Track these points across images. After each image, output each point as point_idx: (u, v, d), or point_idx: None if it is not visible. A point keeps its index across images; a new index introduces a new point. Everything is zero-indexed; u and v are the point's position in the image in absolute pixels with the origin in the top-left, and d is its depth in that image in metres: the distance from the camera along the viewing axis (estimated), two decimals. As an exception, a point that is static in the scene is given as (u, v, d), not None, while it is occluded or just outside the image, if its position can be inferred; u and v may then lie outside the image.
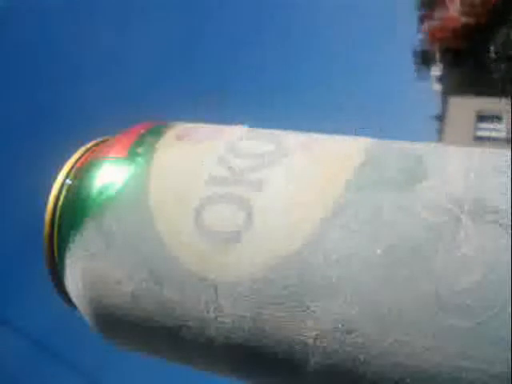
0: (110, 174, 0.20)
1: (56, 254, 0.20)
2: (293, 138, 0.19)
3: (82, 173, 0.20)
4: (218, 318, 0.17)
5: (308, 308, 0.16)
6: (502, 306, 0.14)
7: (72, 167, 0.21)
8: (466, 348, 0.15)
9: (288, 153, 0.19)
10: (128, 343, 0.20)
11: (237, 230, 0.17)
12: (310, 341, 0.16)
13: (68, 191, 0.20)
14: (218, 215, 0.18)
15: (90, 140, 0.22)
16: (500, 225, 0.15)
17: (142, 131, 0.21)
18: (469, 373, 0.15)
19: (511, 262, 0.15)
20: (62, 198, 0.20)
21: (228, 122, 0.22)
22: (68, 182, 0.21)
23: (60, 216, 0.20)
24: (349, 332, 0.16)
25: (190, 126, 0.21)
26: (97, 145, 0.22)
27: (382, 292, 0.15)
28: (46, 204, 0.20)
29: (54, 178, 0.21)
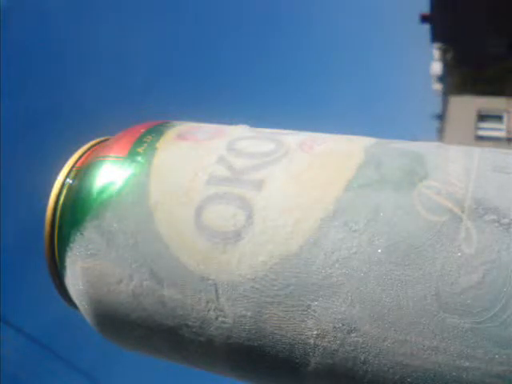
0: (111, 174, 0.20)
1: (56, 254, 0.20)
2: (293, 138, 0.19)
3: (82, 172, 0.20)
4: (219, 318, 0.17)
5: (308, 308, 0.16)
6: (502, 306, 0.14)
7: (72, 167, 0.21)
8: (466, 348, 0.15)
9: (288, 152, 0.19)
10: (128, 343, 0.20)
11: (237, 229, 0.17)
12: (311, 340, 0.16)
13: (68, 191, 0.20)
14: (219, 215, 0.18)
15: (90, 140, 0.22)
16: (500, 224, 0.15)
17: (143, 131, 0.21)
18: (469, 373, 0.15)
19: (511, 262, 0.15)
20: (62, 197, 0.20)
21: (228, 122, 0.22)
22: (68, 181, 0.21)
23: (60, 216, 0.20)
24: (349, 332, 0.16)
25: (190, 125, 0.21)
26: (97, 145, 0.22)
27: (382, 292, 0.15)
28: (46, 204, 0.20)
29: (55, 178, 0.21)
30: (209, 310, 0.17)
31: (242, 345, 0.17)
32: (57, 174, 0.21)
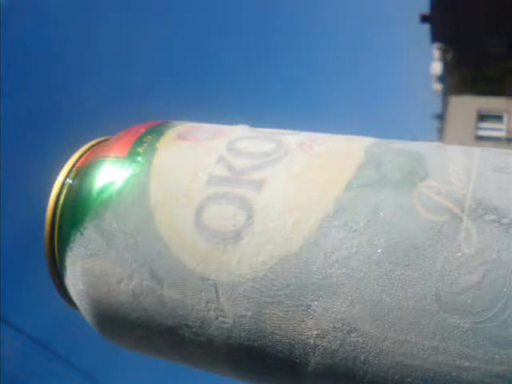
0: (111, 174, 0.20)
1: (56, 254, 0.20)
2: (293, 138, 0.19)
3: (82, 172, 0.20)
4: (219, 318, 0.17)
5: (308, 308, 0.16)
6: (502, 306, 0.14)
7: (72, 167, 0.21)
8: (466, 348, 0.15)
9: (288, 152, 0.19)
10: (128, 343, 0.20)
11: (237, 229, 0.17)
12: (311, 340, 0.16)
13: (68, 191, 0.20)
14: (219, 215, 0.18)
15: (90, 140, 0.22)
16: (500, 224, 0.15)
17: (143, 131, 0.21)
18: (469, 373, 0.15)
19: (511, 262, 0.15)
20: (62, 197, 0.20)
21: (228, 122, 0.22)
22: (68, 181, 0.21)
23: (60, 216, 0.20)
24: (349, 332, 0.16)
25: (190, 125, 0.21)
26: (97, 145, 0.22)
27: (382, 292, 0.15)
28: (46, 204, 0.20)
29: (55, 178, 0.21)
30: (209, 310, 0.17)
31: (242, 345, 0.17)
32: (57, 174, 0.21)
